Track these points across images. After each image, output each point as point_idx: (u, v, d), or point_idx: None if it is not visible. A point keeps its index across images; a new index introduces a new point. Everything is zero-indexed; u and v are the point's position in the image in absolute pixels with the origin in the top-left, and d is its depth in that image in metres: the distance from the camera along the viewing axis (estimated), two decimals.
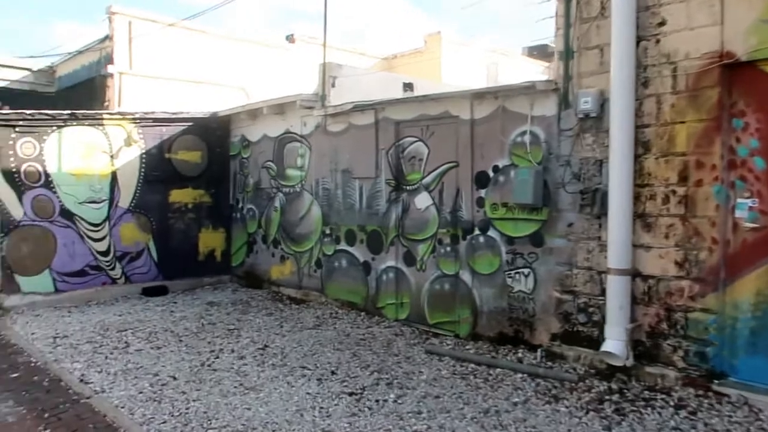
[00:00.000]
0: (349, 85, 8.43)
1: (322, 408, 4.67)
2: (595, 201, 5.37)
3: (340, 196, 8.12)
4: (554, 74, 5.84)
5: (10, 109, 11.19)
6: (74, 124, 8.47)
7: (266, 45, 12.68)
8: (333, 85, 8.26)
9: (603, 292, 5.31)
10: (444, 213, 6.80)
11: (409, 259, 7.20)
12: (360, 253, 7.85)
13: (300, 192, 8.78)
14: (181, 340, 6.59)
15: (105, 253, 8.82)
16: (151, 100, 10.68)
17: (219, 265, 10.10)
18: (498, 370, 5.52)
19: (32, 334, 6.90)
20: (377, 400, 4.81)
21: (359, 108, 7.61)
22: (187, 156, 9.65)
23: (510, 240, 6.13)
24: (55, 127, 8.31)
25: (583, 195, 5.46)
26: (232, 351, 6.19)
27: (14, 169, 7.99)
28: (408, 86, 8.70)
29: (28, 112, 8.06)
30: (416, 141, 7.09)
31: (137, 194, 9.13)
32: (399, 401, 4.80)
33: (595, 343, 5.37)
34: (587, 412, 4.50)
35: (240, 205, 10.02)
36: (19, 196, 8.04)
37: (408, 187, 7.20)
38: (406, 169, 7.23)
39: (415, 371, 5.55)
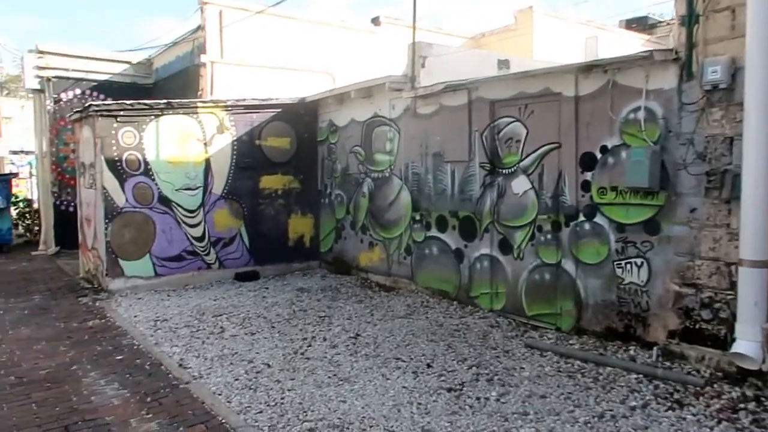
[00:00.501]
0: (439, 65, 8.08)
1: (419, 404, 4.44)
2: (724, 183, 4.77)
3: (430, 180, 7.83)
4: (674, 42, 5.23)
5: (113, 101, 11.78)
6: (170, 113, 8.67)
7: (352, 29, 12.51)
8: (423, 66, 7.94)
9: (732, 286, 4.71)
10: (544, 198, 6.34)
11: (505, 246, 6.81)
12: (452, 240, 7.54)
13: (389, 177, 8.57)
14: (273, 327, 6.58)
15: (200, 239, 9.04)
16: (241, 88, 10.79)
17: (308, 250, 10.12)
18: (608, 368, 5.07)
19: (135, 316, 7.15)
20: (478, 398, 4.52)
21: (451, 88, 7.26)
22: (276, 142, 9.68)
23: (620, 227, 5.61)
24: (152, 117, 8.54)
25: (710, 177, 4.86)
26: (324, 339, 6.09)
27: (117, 158, 8.30)
28: (503, 63, 8.23)
29: (128, 102, 8.33)
30: (513, 121, 6.66)
31: (229, 181, 9.26)
32: (502, 400, 4.48)
33: (722, 342, 4.80)
34: (719, 422, 3.99)
35: (328, 191, 9.96)
36: (121, 183, 8.35)
37: (504, 171, 6.80)
38: (502, 152, 6.82)
39: (516, 367, 5.20)
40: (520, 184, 6.61)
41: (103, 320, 7.04)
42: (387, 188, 8.62)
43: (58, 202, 12.85)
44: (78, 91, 12.96)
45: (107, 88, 13.21)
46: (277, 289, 8.57)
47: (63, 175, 12.90)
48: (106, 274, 8.33)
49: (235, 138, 9.28)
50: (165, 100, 8.65)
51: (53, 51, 12.66)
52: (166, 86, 12.81)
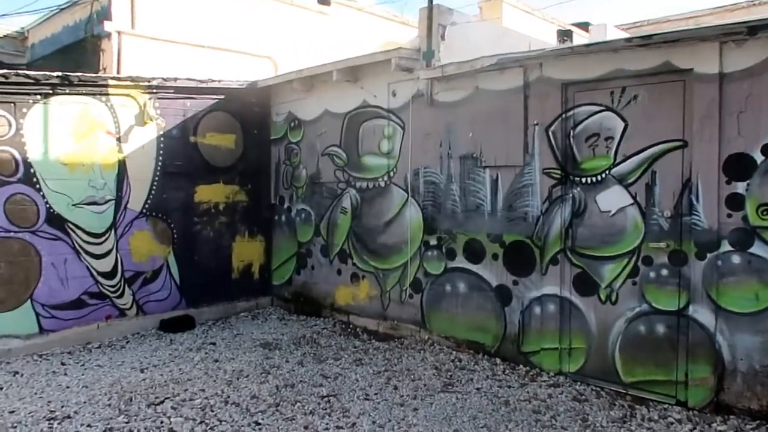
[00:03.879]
0: (458, 39, 6.05)
1: None
2: None
3: (455, 192, 5.74)
4: None
5: None
6: (66, 92, 5.86)
7: (299, 6, 10.14)
8: (442, 38, 5.86)
9: None
10: (655, 218, 4.49)
11: (586, 285, 4.87)
12: (491, 273, 5.48)
13: (386, 187, 6.36)
14: (259, 425, 4.11)
15: (109, 275, 6.24)
16: (158, 71, 8.07)
17: (256, 284, 7.60)
18: None
19: (11, 412, 4.33)
20: None
21: (500, 65, 5.22)
22: (217, 140, 7.11)
23: None
24: (39, 96, 5.69)
25: None
26: None
27: None
28: (565, 35, 6.32)
29: (0, 72, 5.43)
30: (601, 111, 4.76)
31: (153, 192, 6.56)
32: None
33: None
34: None
35: (286, 205, 7.53)
36: None
37: (584, 179, 4.87)
38: (580, 153, 4.89)
39: None
40: (613, 199, 4.71)
41: None
42: (382, 202, 6.39)
43: None
44: None
45: None
46: (230, 346, 6.00)
47: None
48: None
49: (161, 132, 6.60)
50: (58, 73, 5.81)
51: None
52: (46, 66, 9.60)
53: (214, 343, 6.07)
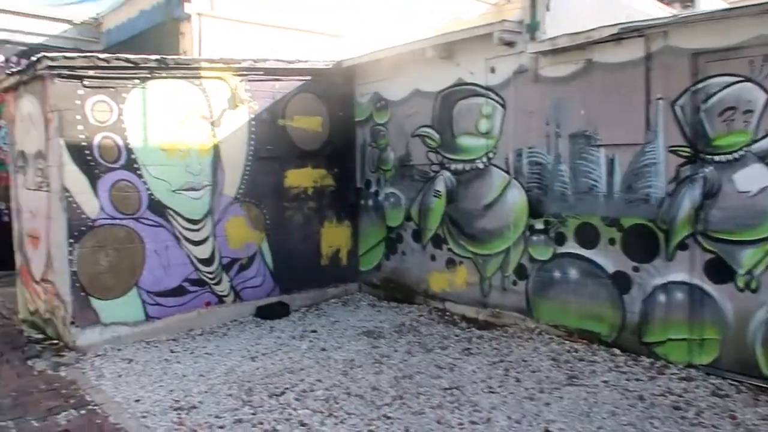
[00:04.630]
0: (562, 10, 5.69)
1: None
2: None
3: (565, 173, 5.45)
4: None
5: None
6: (163, 75, 5.81)
7: None
8: (548, 9, 5.52)
9: None
10: None
11: (720, 271, 4.54)
12: (607, 259, 5.20)
13: (484, 169, 6.11)
14: (389, 418, 3.99)
15: (208, 262, 6.23)
16: (235, 52, 7.96)
17: (344, 270, 7.50)
18: None
19: (137, 401, 4.34)
20: None
21: (619, 35, 4.87)
22: (305, 122, 6.99)
23: None
24: (137, 81, 5.65)
25: None
26: None
27: (84, 143, 5.37)
28: (687, 1, 5.90)
29: (101, 56, 5.41)
30: (739, 81, 4.38)
31: (246, 177, 6.49)
32: None
33: None
34: None
35: (373, 189, 7.37)
36: (93, 182, 5.43)
37: (717, 157, 4.51)
38: (713, 129, 4.53)
39: None
40: (754, 177, 4.35)
41: (83, 412, 4.20)
42: (481, 185, 6.15)
43: None
44: (1, 58, 9.61)
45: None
46: (331, 333, 5.92)
47: None
48: (73, 323, 5.39)
49: (253, 116, 6.51)
50: (155, 56, 5.76)
51: None
52: (122, 53, 9.67)
53: (315, 331, 6.00)
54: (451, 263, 6.51)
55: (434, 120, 6.52)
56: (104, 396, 4.44)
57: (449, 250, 6.51)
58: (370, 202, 7.42)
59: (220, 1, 8.17)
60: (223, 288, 6.36)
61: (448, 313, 6.51)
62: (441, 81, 6.41)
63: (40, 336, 5.99)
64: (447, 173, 6.46)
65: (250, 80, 6.42)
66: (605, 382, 4.54)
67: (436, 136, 6.52)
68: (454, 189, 6.41)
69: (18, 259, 6.78)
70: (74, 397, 4.44)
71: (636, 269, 5.02)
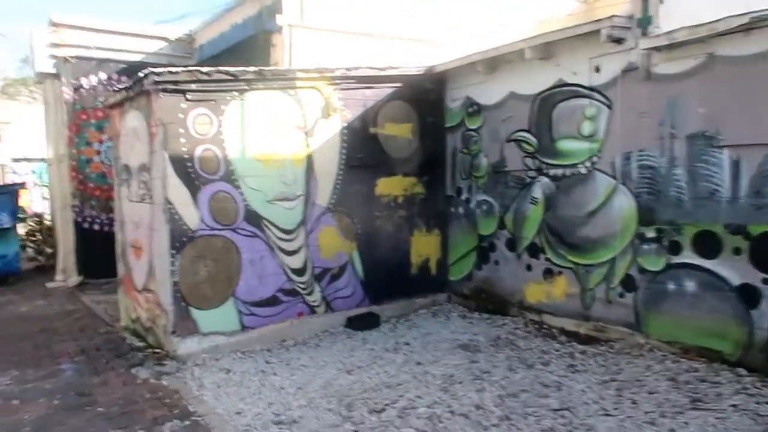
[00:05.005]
0: (667, 4, 5.26)
1: None
2: None
3: (681, 177, 5.01)
4: None
5: None
6: (260, 87, 5.86)
7: None
8: (661, 1, 5.12)
9: None
10: None
11: None
12: (731, 270, 4.72)
13: (587, 174, 5.75)
14: None
15: (300, 271, 6.22)
16: (324, 61, 7.98)
17: (433, 280, 7.30)
18: None
19: (238, 413, 4.33)
20: None
21: (751, 24, 4.41)
22: (395, 130, 6.87)
23: None
24: (236, 93, 5.73)
25: None
26: None
27: (187, 156, 5.49)
28: None
29: (203, 69, 5.51)
30: None
31: (338, 186, 6.45)
32: None
33: None
34: None
35: (464, 197, 7.14)
36: (194, 194, 5.54)
37: None
38: None
39: None
40: None
41: (187, 423, 4.22)
42: (583, 191, 5.79)
43: (80, 219, 10.03)
44: (103, 76, 10.17)
45: (140, 72, 10.38)
46: (426, 346, 5.73)
47: (85, 184, 10.09)
48: (173, 332, 5.50)
49: (344, 124, 6.46)
50: (253, 68, 5.82)
51: (70, 23, 9.87)
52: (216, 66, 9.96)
53: (408, 344, 5.84)
54: (549, 273, 6.18)
55: (531, 124, 6.23)
56: (206, 407, 4.46)
57: (547, 259, 6.18)
58: (461, 210, 7.19)
59: (310, 11, 8.25)
60: (315, 298, 6.33)
61: (545, 326, 6.17)
62: (539, 83, 6.11)
63: (142, 344, 6.17)
64: (545, 179, 6.14)
65: (342, 89, 6.39)
66: (734, 406, 4.08)
67: (534, 140, 6.22)
68: (552, 195, 6.08)
69: (120, 268, 7.06)
70: (177, 407, 4.49)
71: (766, 282, 4.52)
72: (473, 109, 6.92)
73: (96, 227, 10.11)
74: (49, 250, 12.23)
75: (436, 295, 7.30)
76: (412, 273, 7.11)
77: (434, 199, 7.22)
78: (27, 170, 22.58)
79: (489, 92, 6.70)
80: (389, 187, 6.83)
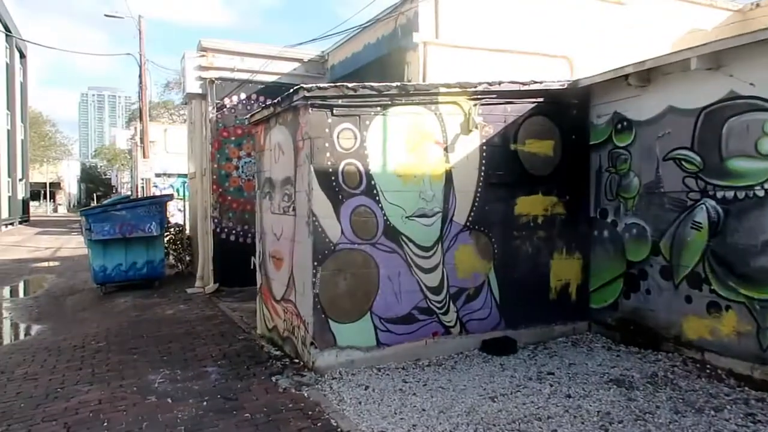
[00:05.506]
0: None
1: None
2: None
3: None
4: None
5: None
6: (402, 101, 5.83)
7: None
8: None
9: None
10: None
11: None
12: None
13: (766, 197, 5.10)
14: None
15: (436, 290, 6.05)
16: (456, 78, 7.84)
17: (573, 306, 6.84)
18: None
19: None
20: None
21: None
22: (536, 147, 6.57)
23: None
24: (378, 108, 5.73)
25: None
26: None
27: (331, 169, 5.55)
28: None
29: (349, 85, 5.57)
30: None
31: (476, 204, 6.24)
32: None
33: None
34: None
35: (609, 219, 6.65)
36: (336, 207, 5.57)
37: None
38: None
39: None
40: None
41: None
42: (760, 215, 5.14)
43: (218, 230, 10.59)
44: (243, 96, 10.75)
45: (275, 92, 10.76)
46: (573, 378, 5.32)
47: (224, 197, 10.65)
48: (312, 344, 5.53)
49: (484, 140, 6.26)
50: (396, 83, 5.80)
51: (218, 48, 10.56)
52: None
53: (552, 373, 5.46)
54: (714, 307, 5.53)
55: (695, 140, 5.67)
56: (349, 423, 4.38)
57: (712, 291, 5.54)
58: (606, 233, 6.70)
59: (445, 28, 8.19)
60: (450, 318, 6.13)
61: (708, 366, 5.52)
62: (704, 96, 5.56)
63: (279, 353, 6.29)
64: (711, 202, 5.55)
65: (483, 104, 6.21)
66: None
67: (697, 159, 5.65)
68: (721, 220, 5.47)
69: (259, 277, 7.28)
70: (320, 421, 4.45)
71: None
72: (622, 125, 6.45)
73: (232, 238, 10.63)
74: (187, 258, 13.07)
75: (575, 323, 6.83)
76: (550, 298, 6.70)
77: (576, 221, 6.80)
78: (166, 185, 24.59)
79: (642, 107, 6.21)
80: (529, 206, 6.52)
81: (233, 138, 10.70)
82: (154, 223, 11.11)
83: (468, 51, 8.29)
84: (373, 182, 5.71)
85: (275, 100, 6.14)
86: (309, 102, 5.41)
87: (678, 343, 5.88)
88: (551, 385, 5.12)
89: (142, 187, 27.61)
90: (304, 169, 5.60)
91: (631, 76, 6.11)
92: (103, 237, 10.76)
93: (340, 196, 5.57)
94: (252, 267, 10.83)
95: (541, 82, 6.50)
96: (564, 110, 6.73)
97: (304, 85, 5.39)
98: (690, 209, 5.75)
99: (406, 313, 5.90)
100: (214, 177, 10.59)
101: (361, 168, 5.65)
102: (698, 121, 5.64)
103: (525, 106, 6.48)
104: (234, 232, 10.66)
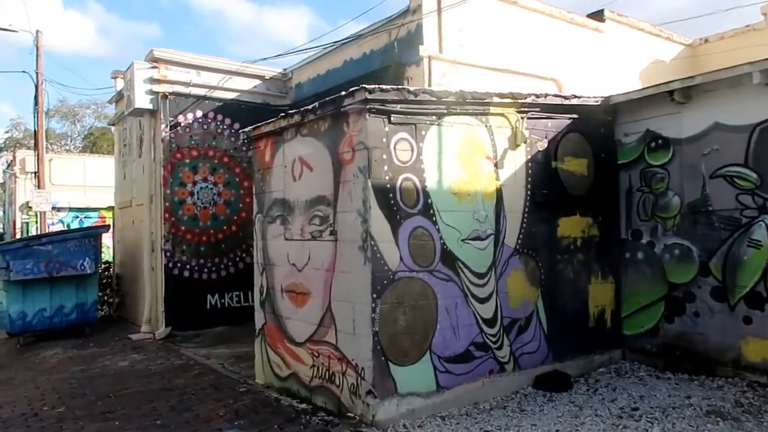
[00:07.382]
0: None
1: None
2: None
3: None
4: None
5: (240, 127, 8.37)
6: (456, 110, 5.19)
7: (579, 25, 9.25)
8: None
9: None
10: None
11: None
12: None
13: None
14: None
15: (491, 322, 5.38)
16: None
17: (608, 333, 6.44)
18: None
19: None
20: None
21: None
22: (573, 165, 6.19)
23: None
24: (434, 116, 5.05)
25: None
26: None
27: (389, 185, 4.75)
28: None
29: (410, 89, 4.85)
30: None
31: (524, 225, 5.70)
32: None
33: None
34: None
35: (644, 240, 6.37)
36: (395, 229, 4.77)
37: None
38: None
39: None
40: None
41: None
42: None
43: (170, 264, 9.21)
44: (199, 114, 9.59)
45: (235, 110, 9.86)
46: (663, 413, 4.81)
47: (177, 227, 9.31)
48: (370, 393, 4.60)
49: (530, 156, 5.78)
50: (454, 89, 5.17)
51: (172, 59, 9.36)
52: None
53: (636, 409, 4.93)
54: None
55: (749, 157, 5.53)
56: None
57: None
58: (640, 255, 6.41)
59: (447, 44, 7.72)
60: (504, 353, 5.46)
61: None
62: (759, 111, 5.46)
63: (306, 406, 5.26)
64: None
65: (529, 117, 5.73)
66: None
67: (753, 175, 5.51)
68: None
69: (260, 316, 6.20)
70: None
71: None
72: (657, 143, 6.25)
73: (186, 274, 9.29)
74: (116, 301, 11.35)
75: (611, 352, 6.43)
76: (589, 326, 6.26)
77: (608, 243, 6.46)
78: (55, 219, 21.92)
79: (682, 124, 6.04)
80: (569, 227, 6.09)
81: (188, 160, 9.46)
82: (87, 259, 9.48)
83: (468, 68, 7.87)
84: (429, 200, 4.98)
85: (309, 107, 5.23)
86: (368, 106, 4.61)
87: (737, 367, 5.62)
88: (650, 422, 4.58)
89: (27, 223, 24.54)
90: (353, 186, 4.76)
91: (676, 92, 5.92)
92: (25, 276, 8.98)
93: (398, 217, 4.78)
94: (208, 307, 9.68)
95: (579, 97, 6.17)
96: (594, 128, 6.44)
97: (365, 86, 4.58)
98: (746, 227, 5.57)
99: (464, 350, 5.16)
100: (167, 204, 9.25)
101: (418, 184, 4.92)
102: (752, 137, 5.52)
103: (563, 122, 6.10)
104: (188, 267, 9.34)
